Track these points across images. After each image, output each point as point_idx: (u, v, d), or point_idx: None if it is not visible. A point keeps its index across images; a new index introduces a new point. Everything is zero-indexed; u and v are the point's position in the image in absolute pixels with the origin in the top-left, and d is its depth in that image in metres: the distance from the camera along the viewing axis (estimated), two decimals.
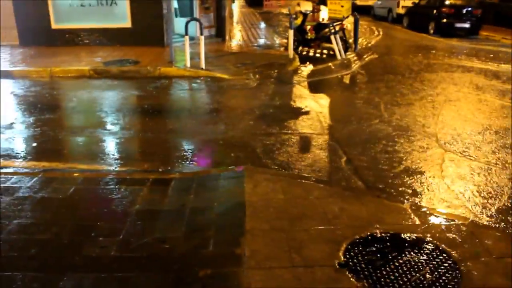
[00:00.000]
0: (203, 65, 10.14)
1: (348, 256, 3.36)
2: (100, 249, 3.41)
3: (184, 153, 5.78)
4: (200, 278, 3.05)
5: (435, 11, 18.92)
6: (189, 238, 3.55)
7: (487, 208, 4.42)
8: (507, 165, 5.41)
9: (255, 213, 3.91)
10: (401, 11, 22.45)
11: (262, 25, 20.35)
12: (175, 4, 13.94)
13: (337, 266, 3.22)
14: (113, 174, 4.89)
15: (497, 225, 4.11)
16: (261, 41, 15.17)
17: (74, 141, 6.25)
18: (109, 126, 6.77)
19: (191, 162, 5.42)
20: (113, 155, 5.67)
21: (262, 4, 31.44)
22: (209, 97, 8.84)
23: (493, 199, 4.61)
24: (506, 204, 4.51)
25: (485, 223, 4.13)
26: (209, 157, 5.69)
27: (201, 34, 10.15)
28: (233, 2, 25.64)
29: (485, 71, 11.22)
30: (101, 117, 7.24)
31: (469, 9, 18.81)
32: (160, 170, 5.09)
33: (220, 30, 14.71)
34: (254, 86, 9.17)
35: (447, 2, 18.91)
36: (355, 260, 3.31)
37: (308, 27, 13.29)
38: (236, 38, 15.46)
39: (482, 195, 4.68)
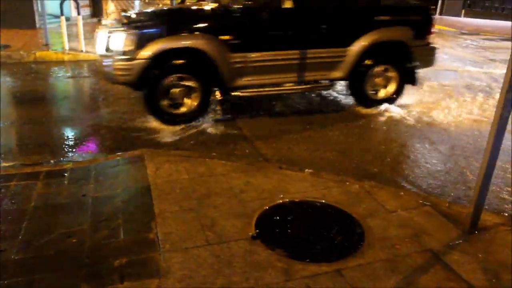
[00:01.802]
0: (83, 47, 9.59)
1: (260, 227, 3.46)
2: None
3: (75, 142, 5.47)
4: (116, 268, 2.95)
5: None
6: (97, 229, 3.40)
7: (382, 167, 4.80)
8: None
9: (162, 196, 3.85)
10: None
11: (140, 3, 19.63)
12: None
13: (251, 239, 3.31)
14: None
15: (391, 183, 4.49)
16: None
17: None
18: None
19: (84, 150, 5.15)
20: None
21: None
22: (93, 81, 8.40)
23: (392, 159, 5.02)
24: (400, 161, 4.94)
25: (379, 182, 4.48)
26: (103, 143, 5.45)
27: (78, 13, 9.57)
28: None
29: None
30: None
31: None
32: (52, 161, 4.77)
33: (96, 9, 13.96)
34: None
35: None
36: (267, 231, 3.42)
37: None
38: (113, 17, 14.75)
39: (375, 154, 5.07)
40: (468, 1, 19.23)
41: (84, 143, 5.41)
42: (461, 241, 3.47)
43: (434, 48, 6.98)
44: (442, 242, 3.43)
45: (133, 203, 3.78)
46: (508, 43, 12.71)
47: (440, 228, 3.60)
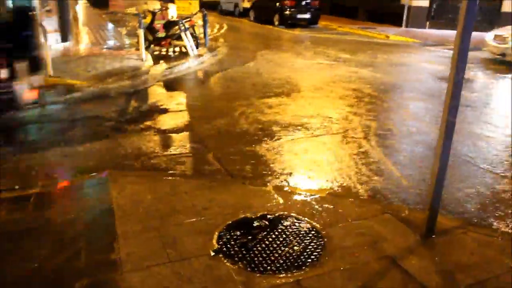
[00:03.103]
0: (51, 72, 9.55)
1: (221, 242, 3.51)
2: None
3: (42, 168, 5.43)
4: None
5: (278, 4, 20.07)
6: (59, 252, 3.40)
7: (342, 179, 4.90)
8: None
9: (125, 216, 3.87)
10: (247, 5, 23.37)
11: (111, 26, 19.68)
12: None
13: (212, 254, 3.35)
14: None
15: (352, 194, 4.59)
16: (111, 42, 14.68)
17: None
18: None
19: (51, 176, 5.13)
20: None
21: (107, 4, 30.40)
22: (62, 106, 8.36)
23: (347, 168, 5.13)
24: (359, 171, 5.05)
25: (341, 192, 4.58)
26: (68, 168, 5.43)
27: (45, 39, 9.55)
28: (77, 4, 24.24)
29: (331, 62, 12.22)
30: None
31: (308, 1, 20.30)
32: (17, 187, 4.74)
33: (65, 35, 13.90)
34: (108, 90, 8.89)
35: None
36: (228, 246, 3.47)
37: (158, 25, 13.20)
38: (84, 41, 14.76)
39: (336, 166, 5.18)
40: (432, 13, 19.77)
41: (51, 168, 5.37)
42: (418, 245, 3.58)
43: None
44: (400, 247, 3.54)
45: (96, 225, 3.80)
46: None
47: (398, 234, 3.71)
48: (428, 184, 4.64)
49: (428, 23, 19.91)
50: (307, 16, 20.09)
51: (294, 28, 19.34)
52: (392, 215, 4.01)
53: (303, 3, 20.12)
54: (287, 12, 19.79)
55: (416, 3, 19.63)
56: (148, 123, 6.81)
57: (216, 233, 3.63)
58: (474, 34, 3.41)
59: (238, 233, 3.65)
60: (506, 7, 17.86)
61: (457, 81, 3.30)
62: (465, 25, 3.19)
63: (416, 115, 7.45)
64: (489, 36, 12.57)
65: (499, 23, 15.69)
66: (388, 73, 10.77)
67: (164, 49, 13.07)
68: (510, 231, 3.98)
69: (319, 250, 3.47)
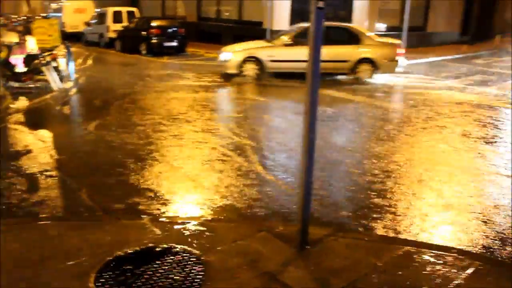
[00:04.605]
0: None
1: (99, 284, 3.37)
2: None
3: None
4: None
5: (144, 33, 19.94)
6: None
7: (218, 202, 4.98)
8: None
9: None
10: (112, 35, 22.82)
11: None
12: None
13: None
14: None
15: (227, 216, 4.69)
16: None
17: None
18: None
19: None
20: None
21: None
22: None
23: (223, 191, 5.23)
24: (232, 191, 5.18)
25: (217, 216, 4.66)
26: None
27: None
28: None
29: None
30: None
31: (175, 29, 20.49)
32: None
33: None
34: None
35: (153, 24, 20.17)
36: (107, 286, 3.34)
37: (18, 59, 12.37)
38: None
39: (211, 190, 5.25)
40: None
41: None
42: (294, 258, 3.77)
43: None
44: (278, 262, 3.69)
45: None
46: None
47: (275, 250, 3.87)
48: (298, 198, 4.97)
49: None
50: (174, 43, 20.23)
51: (162, 56, 19.33)
52: (267, 232, 4.17)
53: (170, 31, 20.24)
54: (154, 41, 19.74)
55: (277, 27, 20.72)
56: (9, 165, 6.31)
57: (93, 274, 3.47)
58: None
59: (116, 271, 3.53)
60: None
61: (312, 100, 3.58)
62: (315, 48, 3.49)
63: (278, 129, 7.85)
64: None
65: None
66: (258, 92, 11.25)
67: (25, 85, 12.25)
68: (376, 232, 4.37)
69: (200, 276, 3.49)
